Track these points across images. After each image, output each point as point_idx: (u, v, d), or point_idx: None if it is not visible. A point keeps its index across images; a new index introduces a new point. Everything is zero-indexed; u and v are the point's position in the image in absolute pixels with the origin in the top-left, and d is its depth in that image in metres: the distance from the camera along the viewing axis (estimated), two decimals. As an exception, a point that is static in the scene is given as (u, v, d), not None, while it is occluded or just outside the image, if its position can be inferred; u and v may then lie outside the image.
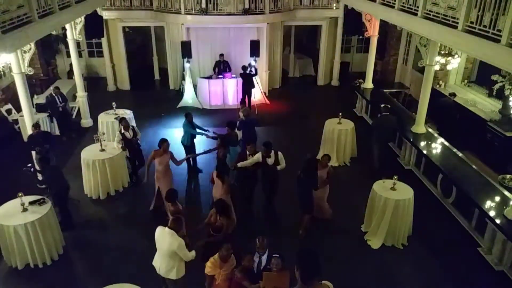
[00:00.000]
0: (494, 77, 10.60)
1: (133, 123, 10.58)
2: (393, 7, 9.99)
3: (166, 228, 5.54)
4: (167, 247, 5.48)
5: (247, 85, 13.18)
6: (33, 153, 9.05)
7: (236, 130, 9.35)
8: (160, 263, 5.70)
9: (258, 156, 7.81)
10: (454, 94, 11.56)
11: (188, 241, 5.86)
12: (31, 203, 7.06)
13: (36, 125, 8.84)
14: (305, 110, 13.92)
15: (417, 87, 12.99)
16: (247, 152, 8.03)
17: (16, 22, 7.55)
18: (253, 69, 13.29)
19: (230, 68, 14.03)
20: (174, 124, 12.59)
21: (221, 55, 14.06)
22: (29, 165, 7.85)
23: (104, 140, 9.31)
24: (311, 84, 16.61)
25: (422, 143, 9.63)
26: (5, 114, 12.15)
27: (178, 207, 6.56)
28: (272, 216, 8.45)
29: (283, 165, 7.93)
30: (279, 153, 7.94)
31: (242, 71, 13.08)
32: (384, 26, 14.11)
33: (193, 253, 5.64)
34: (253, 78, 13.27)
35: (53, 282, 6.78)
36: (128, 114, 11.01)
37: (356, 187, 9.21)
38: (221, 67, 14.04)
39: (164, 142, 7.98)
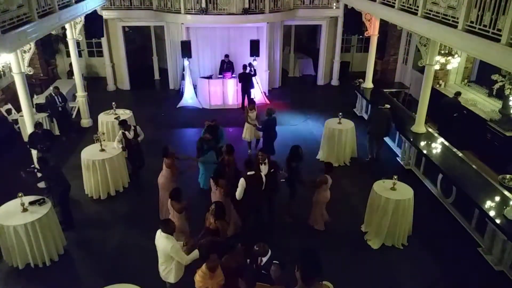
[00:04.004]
0: (494, 77, 10.60)
1: (132, 123, 10.57)
2: (393, 6, 9.99)
3: (161, 231, 5.57)
4: (162, 250, 5.54)
5: (246, 85, 13.19)
6: (34, 152, 9.06)
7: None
8: (160, 266, 5.75)
9: (242, 183, 6.88)
10: (459, 93, 11.46)
11: (193, 242, 5.86)
12: (31, 203, 7.06)
13: (38, 124, 8.86)
14: (305, 110, 13.91)
15: (417, 86, 12.99)
16: (259, 160, 7.47)
17: (16, 22, 7.54)
18: (252, 69, 13.28)
19: (233, 69, 14.04)
20: (174, 124, 12.60)
21: (226, 55, 14.06)
22: (32, 166, 7.87)
23: (104, 140, 9.31)
24: (311, 84, 16.61)
25: (422, 143, 9.62)
26: (5, 114, 12.15)
27: (183, 204, 6.56)
28: (272, 216, 8.44)
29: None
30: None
31: (241, 71, 13.09)
32: (384, 26, 14.11)
33: (193, 254, 5.58)
34: (253, 78, 13.27)
35: (53, 282, 6.78)
36: (128, 114, 11.02)
37: (356, 187, 9.22)
38: (224, 67, 14.05)
39: (166, 150, 7.71)
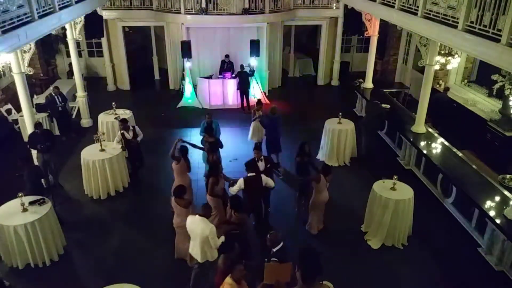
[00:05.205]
0: (494, 77, 10.61)
1: (132, 123, 10.56)
2: (393, 6, 10.00)
3: (197, 215, 5.82)
4: (200, 233, 5.72)
5: (245, 85, 13.18)
6: (34, 152, 9.06)
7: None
8: (196, 250, 5.92)
9: (240, 183, 7.09)
10: (448, 88, 11.56)
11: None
12: (31, 203, 7.06)
13: (38, 124, 8.85)
14: (305, 110, 13.91)
15: (417, 86, 12.98)
16: (255, 157, 7.66)
17: (16, 22, 7.54)
18: (251, 70, 13.27)
19: (233, 69, 14.04)
20: (174, 124, 12.60)
21: (227, 55, 14.07)
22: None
23: (104, 140, 9.31)
24: (311, 84, 16.60)
25: (422, 143, 9.63)
26: (5, 114, 12.14)
27: (189, 199, 6.74)
28: (266, 213, 8.43)
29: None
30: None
31: (240, 69, 13.09)
32: (384, 26, 14.10)
33: (222, 238, 5.83)
34: (251, 78, 13.26)
35: (53, 282, 6.78)
36: (128, 114, 11.02)
37: (356, 187, 9.22)
38: (224, 67, 14.06)
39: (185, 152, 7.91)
